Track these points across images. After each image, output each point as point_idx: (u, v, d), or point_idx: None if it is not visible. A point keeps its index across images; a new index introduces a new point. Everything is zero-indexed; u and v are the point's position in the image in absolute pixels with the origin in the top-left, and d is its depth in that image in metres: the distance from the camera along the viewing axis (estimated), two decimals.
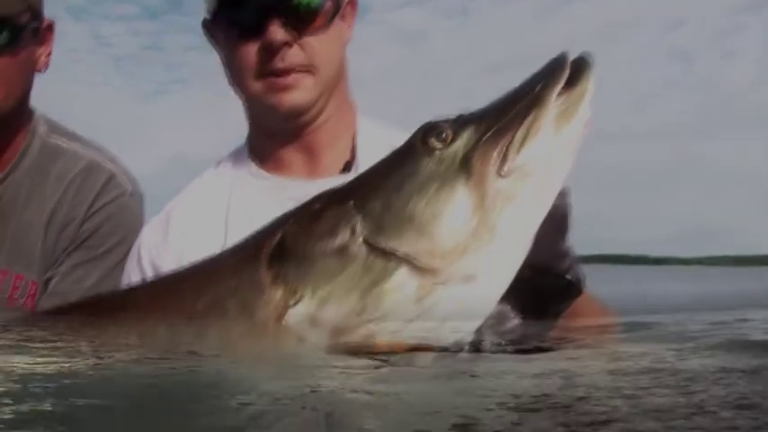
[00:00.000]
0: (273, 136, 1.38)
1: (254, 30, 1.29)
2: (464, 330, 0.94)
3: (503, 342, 1.10)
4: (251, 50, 1.31)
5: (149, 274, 1.34)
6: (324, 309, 0.92)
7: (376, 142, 1.35)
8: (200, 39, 1.43)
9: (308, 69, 1.31)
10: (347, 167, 1.37)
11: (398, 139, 1.34)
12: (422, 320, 0.91)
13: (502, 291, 0.95)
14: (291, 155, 1.38)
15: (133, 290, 1.01)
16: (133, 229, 1.58)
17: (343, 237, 0.94)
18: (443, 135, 0.97)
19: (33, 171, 1.57)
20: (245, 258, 0.97)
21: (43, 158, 1.58)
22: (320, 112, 1.36)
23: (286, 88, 1.30)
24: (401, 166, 0.99)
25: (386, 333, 0.91)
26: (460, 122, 0.98)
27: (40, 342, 1.00)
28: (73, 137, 1.64)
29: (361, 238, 0.94)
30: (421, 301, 0.91)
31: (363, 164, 1.31)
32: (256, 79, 1.32)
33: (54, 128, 1.63)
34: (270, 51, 1.28)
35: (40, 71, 1.57)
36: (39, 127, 1.60)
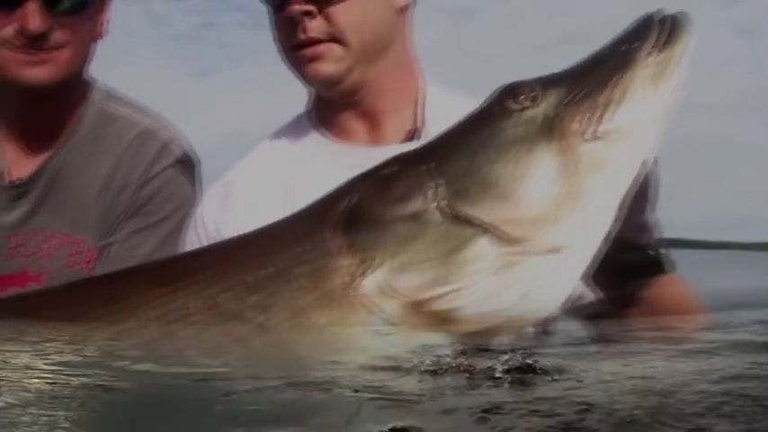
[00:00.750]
0: (334, 102, 1.34)
1: (281, 2, 1.27)
2: (549, 305, 0.88)
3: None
4: (279, 23, 1.30)
5: (209, 243, 1.30)
6: (399, 277, 0.86)
7: (444, 109, 1.30)
8: (252, 16, 1.41)
9: (335, 40, 1.27)
10: (413, 135, 1.31)
11: (469, 105, 1.28)
12: (504, 293, 0.85)
13: (589, 263, 0.89)
14: (353, 121, 1.33)
15: (197, 254, 0.96)
16: (188, 198, 1.55)
17: (419, 201, 0.89)
18: (529, 95, 0.90)
19: (90, 137, 1.54)
20: (314, 223, 0.92)
21: (99, 125, 1.55)
22: (362, 82, 1.31)
23: (311, 60, 1.27)
24: (482, 127, 0.92)
25: (465, 306, 0.85)
26: (546, 82, 0.92)
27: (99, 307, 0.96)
28: (128, 104, 1.61)
29: (439, 204, 0.88)
30: (503, 272, 0.85)
31: (431, 131, 1.26)
32: (287, 51, 1.31)
33: (110, 95, 1.61)
34: (292, 23, 1.26)
35: (99, 38, 1.55)
36: (95, 94, 1.58)
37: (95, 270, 1.51)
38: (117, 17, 1.60)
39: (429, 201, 0.89)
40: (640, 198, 1.03)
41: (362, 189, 0.93)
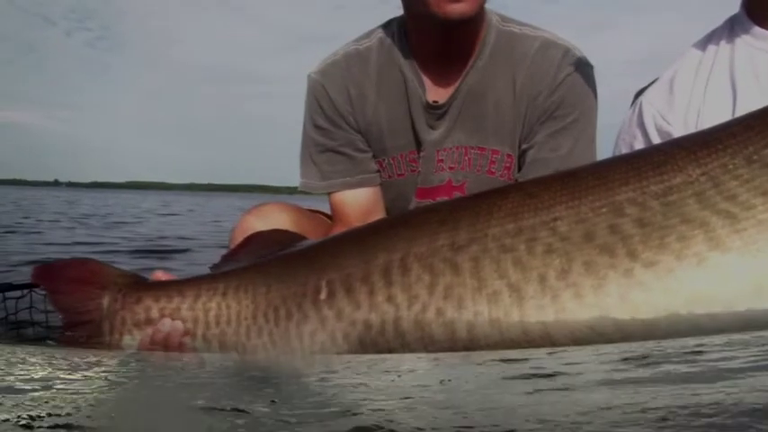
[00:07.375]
0: None
1: None
2: None
3: None
4: None
5: (656, 139, 1.40)
6: None
7: None
8: None
9: None
10: None
11: None
12: None
13: None
14: None
15: (733, 123, 1.03)
16: (592, 98, 1.66)
17: None
18: None
19: (495, 56, 1.68)
20: None
21: (501, 44, 1.69)
22: None
23: None
24: None
25: None
26: None
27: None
28: (522, 23, 1.75)
29: None
30: None
31: None
32: None
33: (504, 18, 1.75)
34: None
35: None
36: (491, 18, 1.73)
37: (521, 172, 1.68)
38: None
39: None
40: None
41: None
